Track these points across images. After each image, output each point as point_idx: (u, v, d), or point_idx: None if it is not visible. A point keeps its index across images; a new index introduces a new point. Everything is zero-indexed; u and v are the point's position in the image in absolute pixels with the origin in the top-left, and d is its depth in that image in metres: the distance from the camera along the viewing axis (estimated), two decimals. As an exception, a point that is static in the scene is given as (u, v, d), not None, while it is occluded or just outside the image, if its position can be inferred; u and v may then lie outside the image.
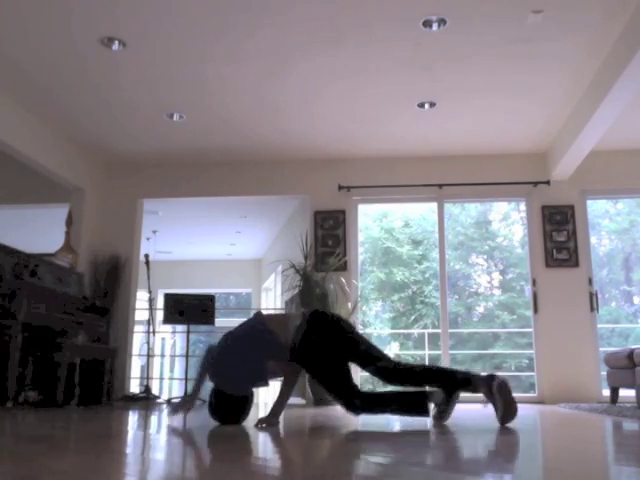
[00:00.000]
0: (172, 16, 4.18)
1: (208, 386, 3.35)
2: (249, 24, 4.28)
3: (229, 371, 3.20)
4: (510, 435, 2.77)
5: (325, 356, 3.23)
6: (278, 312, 3.44)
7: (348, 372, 3.25)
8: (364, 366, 3.33)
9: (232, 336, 3.28)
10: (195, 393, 3.38)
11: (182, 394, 6.32)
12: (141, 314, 7.47)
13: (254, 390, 3.33)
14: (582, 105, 5.36)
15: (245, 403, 3.23)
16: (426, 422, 3.41)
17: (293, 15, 4.18)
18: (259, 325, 3.29)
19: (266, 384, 3.28)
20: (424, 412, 3.19)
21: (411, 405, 3.21)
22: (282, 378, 3.33)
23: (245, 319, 3.42)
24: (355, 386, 3.23)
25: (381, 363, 3.26)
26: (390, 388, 3.44)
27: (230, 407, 3.21)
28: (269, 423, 3.12)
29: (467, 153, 6.75)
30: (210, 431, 2.92)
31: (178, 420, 3.60)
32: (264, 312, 3.46)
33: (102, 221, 6.96)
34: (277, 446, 2.42)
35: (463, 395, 3.29)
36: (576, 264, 6.47)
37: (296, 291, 6.45)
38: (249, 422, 3.32)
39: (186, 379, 6.51)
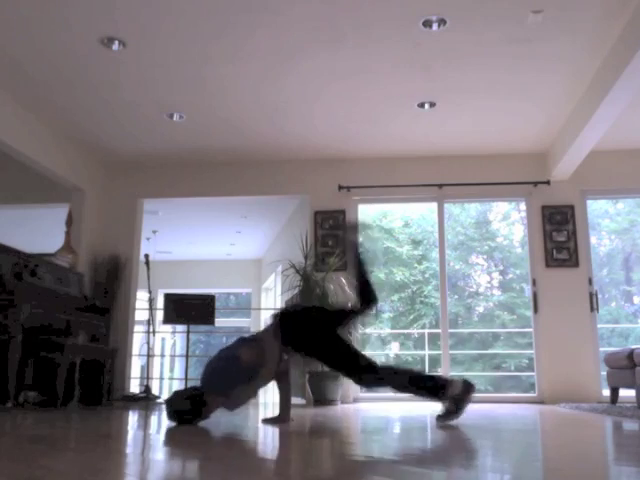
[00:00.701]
0: (172, 16, 4.18)
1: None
2: (249, 24, 4.28)
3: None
4: (510, 435, 2.77)
5: (312, 332, 3.35)
6: (253, 344, 3.46)
7: (342, 341, 3.34)
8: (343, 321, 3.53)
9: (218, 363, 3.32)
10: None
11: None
12: (141, 314, 7.47)
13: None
14: (582, 105, 5.36)
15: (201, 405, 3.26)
16: (426, 421, 3.41)
17: (293, 15, 4.18)
18: (237, 361, 3.30)
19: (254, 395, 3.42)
20: (439, 399, 3.24)
21: (429, 390, 3.28)
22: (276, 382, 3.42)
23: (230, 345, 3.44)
24: (362, 356, 3.31)
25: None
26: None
27: (193, 413, 3.25)
28: (277, 422, 3.23)
29: (467, 153, 6.75)
30: (210, 431, 2.92)
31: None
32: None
33: (102, 221, 6.96)
34: (277, 446, 2.42)
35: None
36: (576, 264, 6.46)
37: (296, 291, 6.46)
38: (250, 422, 3.32)
39: (186, 379, 6.50)
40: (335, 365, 3.35)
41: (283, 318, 3.41)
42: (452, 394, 3.22)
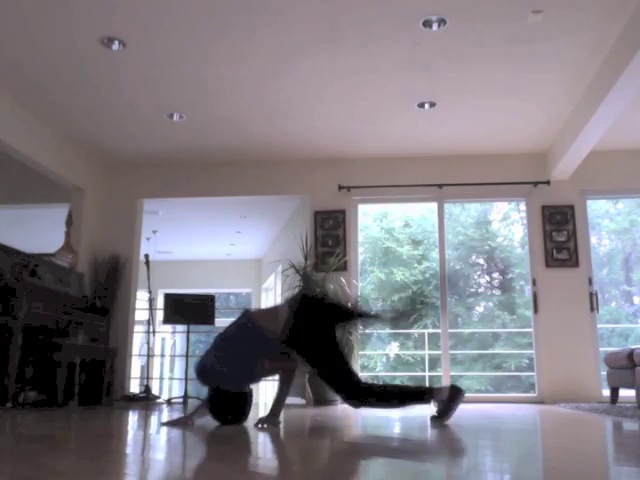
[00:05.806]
0: (172, 16, 4.18)
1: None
2: (249, 24, 4.28)
3: (225, 371, 3.17)
4: (511, 435, 2.77)
5: (315, 337, 3.24)
6: (267, 307, 3.44)
7: (343, 356, 3.29)
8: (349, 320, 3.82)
9: (223, 337, 3.28)
10: (195, 412, 3.35)
11: (182, 395, 6.32)
12: (141, 314, 7.47)
13: (252, 389, 3.34)
14: (582, 105, 5.36)
15: (244, 403, 3.23)
16: (426, 422, 3.41)
17: (293, 15, 4.18)
18: (249, 323, 3.28)
19: (257, 381, 3.38)
20: (427, 402, 3.29)
21: (414, 401, 3.26)
22: (279, 376, 3.33)
23: (234, 319, 3.37)
24: (356, 375, 3.25)
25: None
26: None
27: (229, 407, 3.21)
28: (270, 423, 3.12)
29: (467, 153, 6.75)
30: (210, 431, 2.92)
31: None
32: (252, 309, 3.48)
33: (102, 221, 6.96)
34: (277, 446, 2.42)
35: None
36: (576, 264, 6.46)
37: (296, 291, 6.45)
38: (249, 422, 3.32)
39: (186, 379, 6.50)
40: (334, 379, 3.23)
41: (300, 307, 3.31)
42: (440, 399, 3.24)
